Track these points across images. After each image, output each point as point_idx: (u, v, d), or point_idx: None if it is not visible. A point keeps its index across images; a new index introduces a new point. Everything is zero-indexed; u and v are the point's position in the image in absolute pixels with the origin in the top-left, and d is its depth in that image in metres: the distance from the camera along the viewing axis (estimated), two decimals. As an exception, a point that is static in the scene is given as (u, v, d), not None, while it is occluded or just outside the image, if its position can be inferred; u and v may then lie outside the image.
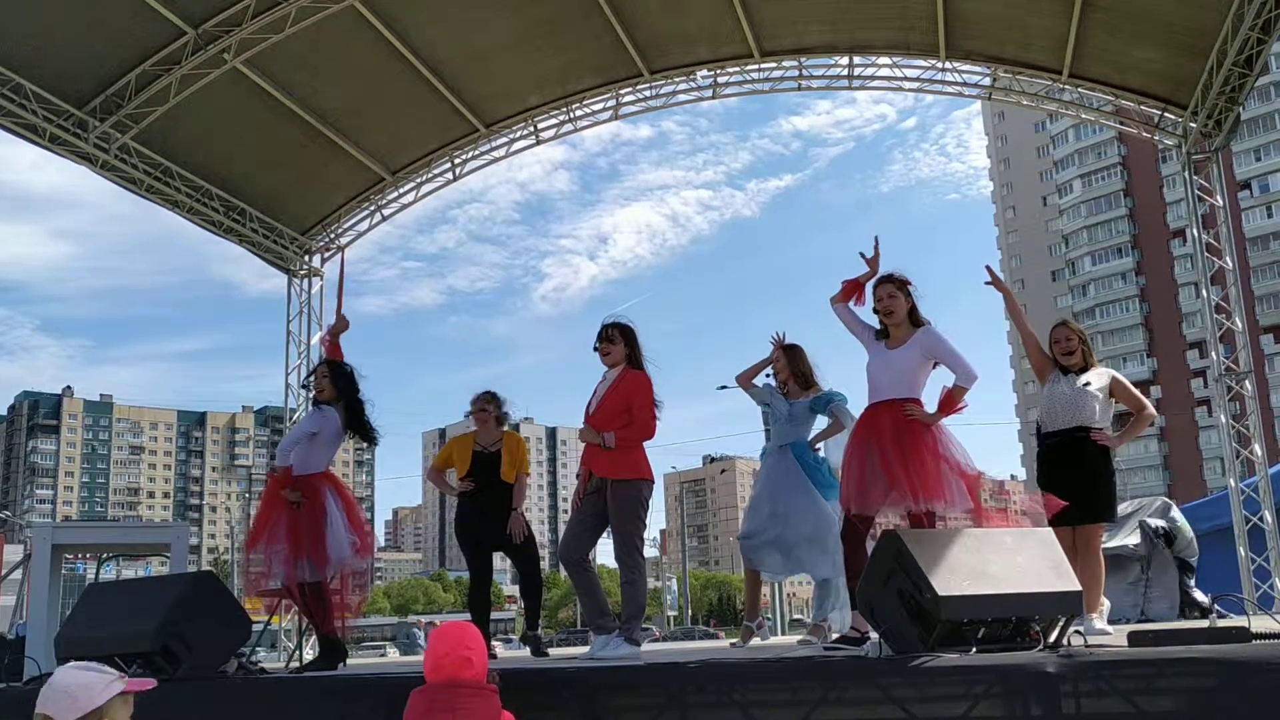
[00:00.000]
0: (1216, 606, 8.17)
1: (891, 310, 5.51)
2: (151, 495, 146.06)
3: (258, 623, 9.90)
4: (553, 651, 7.93)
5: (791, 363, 6.82)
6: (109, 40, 9.84)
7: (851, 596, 5.50)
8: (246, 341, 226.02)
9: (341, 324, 7.11)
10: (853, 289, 5.71)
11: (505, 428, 7.40)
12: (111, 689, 2.63)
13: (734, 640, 7.74)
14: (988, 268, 6.40)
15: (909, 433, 5.25)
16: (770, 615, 30.71)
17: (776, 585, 32.24)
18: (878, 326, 5.63)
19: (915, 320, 5.55)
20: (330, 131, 11.71)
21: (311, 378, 6.74)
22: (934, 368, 5.45)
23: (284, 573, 6.13)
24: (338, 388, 6.50)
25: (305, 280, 13.11)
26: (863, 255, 5.74)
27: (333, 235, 13.32)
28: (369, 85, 11.43)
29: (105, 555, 13.45)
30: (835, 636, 6.04)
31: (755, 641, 6.93)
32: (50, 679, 2.62)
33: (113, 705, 2.60)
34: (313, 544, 6.16)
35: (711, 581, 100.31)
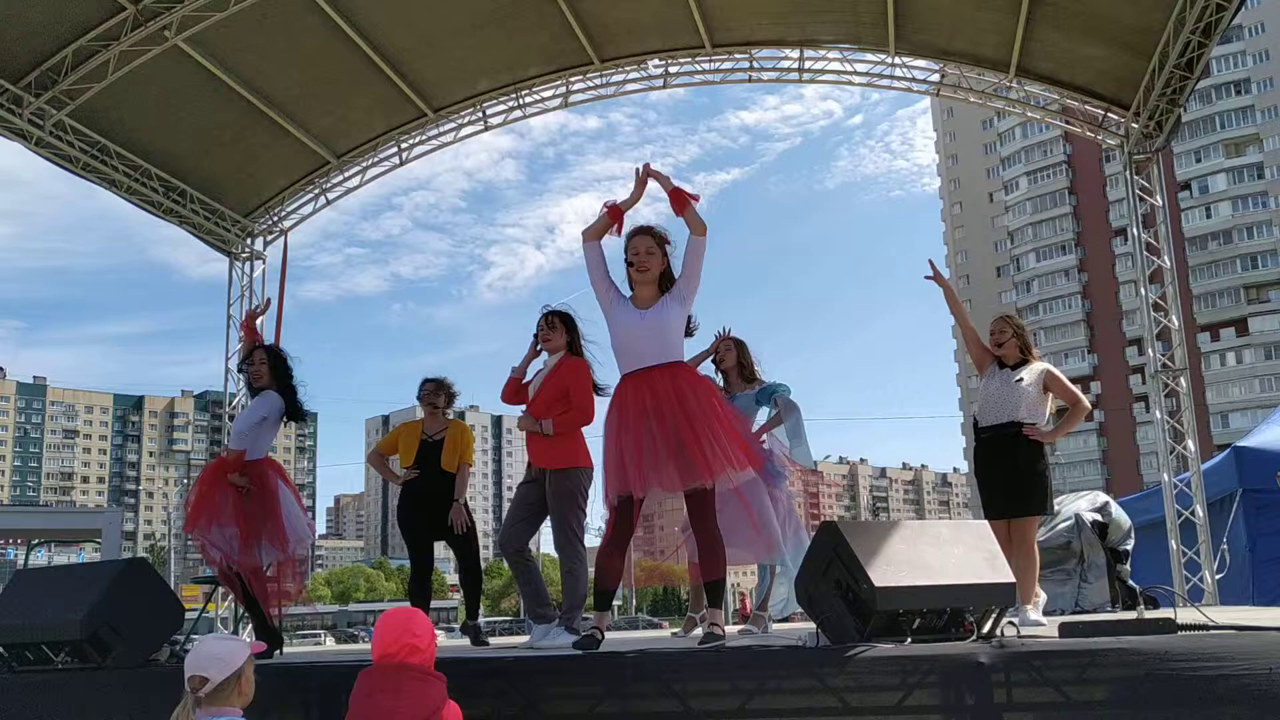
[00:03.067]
0: (1144, 595, 8.33)
1: (648, 267, 4.85)
2: (86, 480, 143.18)
3: (192, 610, 9.77)
4: (493, 640, 7.90)
5: (738, 355, 6.86)
6: (44, 14, 9.58)
7: (599, 597, 4.96)
8: (186, 326, 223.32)
9: (263, 308, 7.20)
10: (615, 218, 4.92)
11: (451, 415, 7.36)
12: (246, 651, 3.18)
13: (676, 630, 7.77)
14: (930, 261, 6.47)
15: (696, 400, 4.65)
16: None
17: (720, 575, 32.36)
18: (625, 289, 4.96)
19: (665, 284, 4.92)
20: (274, 113, 11.52)
21: (249, 363, 6.67)
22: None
23: (239, 558, 6.11)
24: (274, 374, 6.52)
25: (247, 264, 12.92)
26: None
27: (275, 218, 13.12)
28: (315, 67, 11.25)
29: (35, 541, 13.20)
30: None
31: (697, 632, 6.95)
32: (197, 647, 3.17)
33: (247, 664, 3.15)
34: (269, 527, 6.17)
35: (656, 571, 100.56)
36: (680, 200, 4.82)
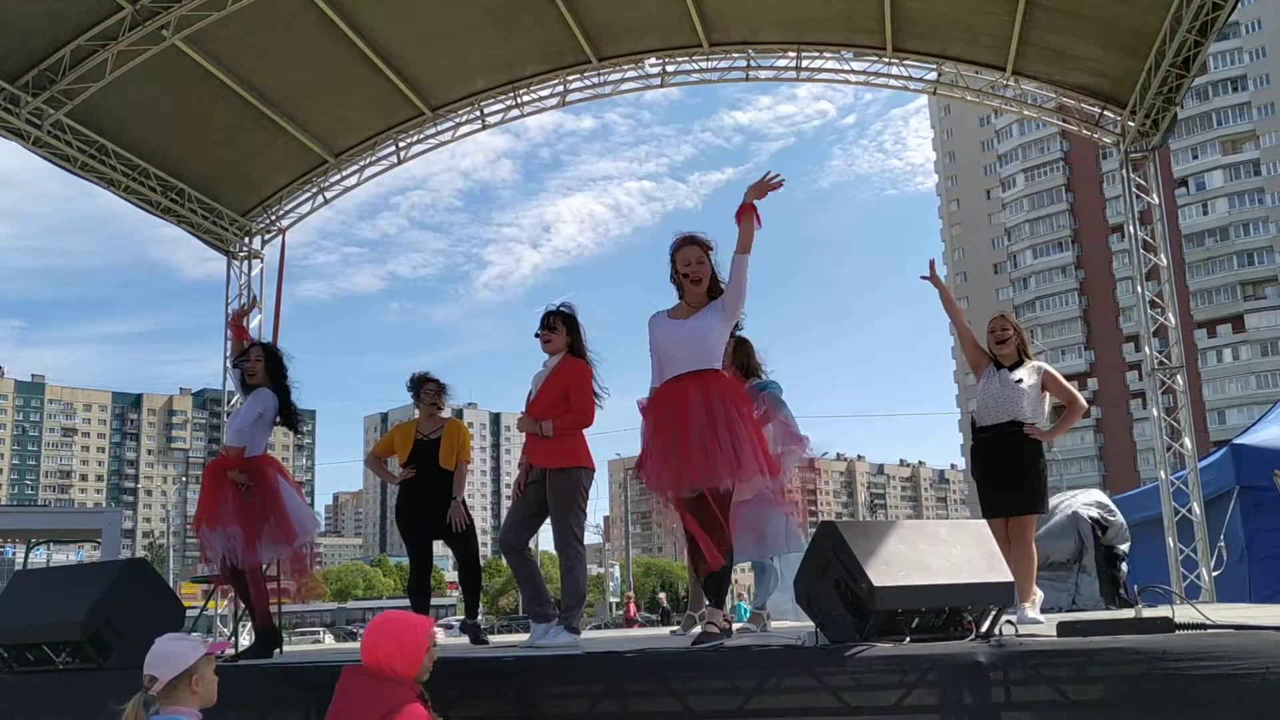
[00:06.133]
0: (1141, 597, 8.35)
1: (700, 276, 5.10)
2: (84, 478, 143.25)
3: (192, 609, 9.78)
4: (492, 639, 7.91)
5: (739, 356, 6.83)
6: (42, 14, 9.57)
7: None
8: (184, 324, 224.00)
9: (249, 306, 7.25)
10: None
11: (448, 413, 7.36)
12: (199, 651, 3.25)
13: (674, 628, 7.78)
14: (930, 262, 6.47)
15: (723, 406, 4.85)
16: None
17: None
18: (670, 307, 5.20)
19: (714, 291, 5.15)
20: (272, 112, 11.50)
21: (245, 360, 6.66)
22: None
23: (243, 556, 6.12)
24: (270, 372, 6.52)
25: (245, 262, 12.90)
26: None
27: (274, 217, 13.11)
28: (313, 66, 11.23)
29: (34, 540, 13.20)
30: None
31: (696, 630, 6.96)
32: (152, 648, 3.23)
33: (201, 664, 3.22)
34: (270, 523, 6.18)
35: (654, 568, 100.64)
36: (749, 214, 4.94)
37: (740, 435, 4.78)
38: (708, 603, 5.14)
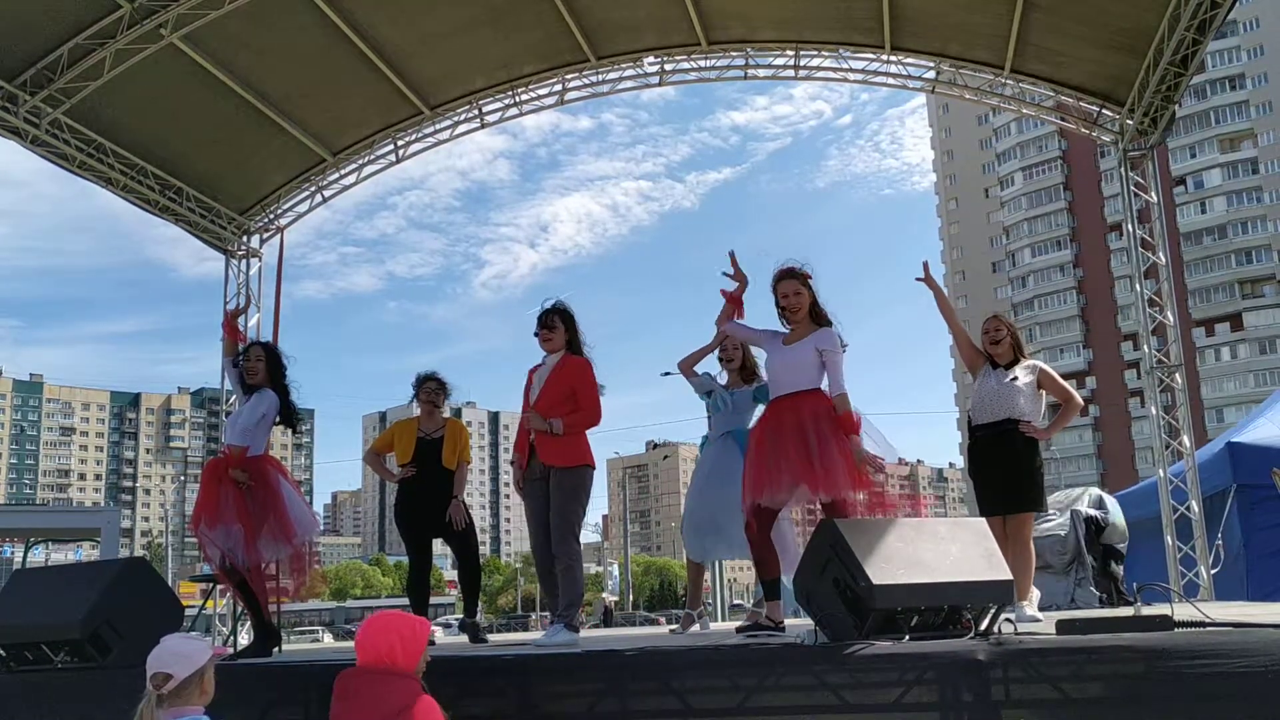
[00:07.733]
0: (1140, 595, 8.36)
1: (798, 307, 5.55)
2: (83, 477, 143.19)
3: (191, 608, 9.78)
4: (492, 638, 7.91)
5: (745, 352, 6.85)
6: (40, 12, 9.55)
7: (766, 587, 5.66)
8: (182, 324, 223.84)
9: (245, 307, 7.24)
10: (732, 307, 5.88)
11: (447, 413, 7.37)
12: (208, 651, 3.24)
13: (674, 626, 7.79)
14: (924, 264, 6.46)
15: (817, 428, 5.29)
16: (710, 601, 30.90)
17: (718, 571, 32.51)
18: (777, 327, 5.69)
19: (816, 316, 5.58)
20: (271, 111, 11.48)
21: (244, 358, 6.67)
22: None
23: (244, 555, 6.11)
24: (270, 373, 6.53)
25: (243, 261, 12.88)
26: (725, 273, 5.95)
27: (272, 216, 13.09)
28: (311, 65, 11.22)
29: (33, 539, 13.19)
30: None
31: (695, 629, 6.96)
32: (161, 645, 3.19)
33: (209, 665, 3.21)
34: (271, 522, 6.18)
35: (652, 567, 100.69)
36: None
37: (831, 453, 5.19)
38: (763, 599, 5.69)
